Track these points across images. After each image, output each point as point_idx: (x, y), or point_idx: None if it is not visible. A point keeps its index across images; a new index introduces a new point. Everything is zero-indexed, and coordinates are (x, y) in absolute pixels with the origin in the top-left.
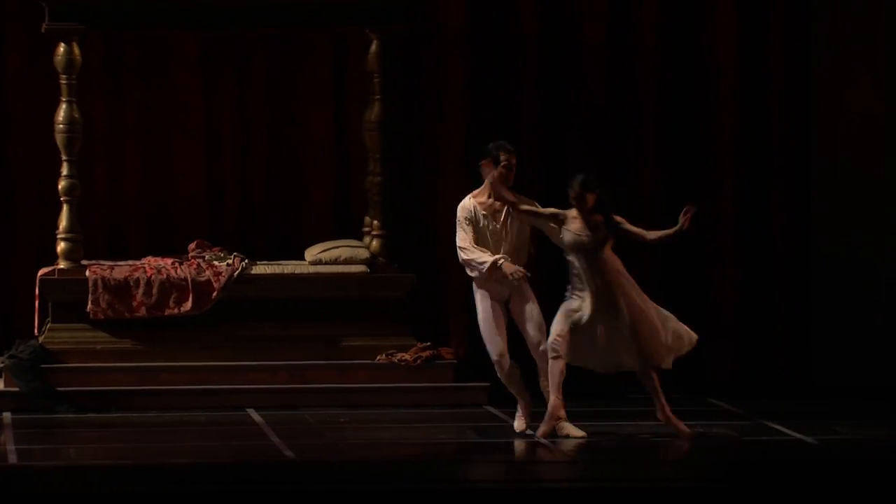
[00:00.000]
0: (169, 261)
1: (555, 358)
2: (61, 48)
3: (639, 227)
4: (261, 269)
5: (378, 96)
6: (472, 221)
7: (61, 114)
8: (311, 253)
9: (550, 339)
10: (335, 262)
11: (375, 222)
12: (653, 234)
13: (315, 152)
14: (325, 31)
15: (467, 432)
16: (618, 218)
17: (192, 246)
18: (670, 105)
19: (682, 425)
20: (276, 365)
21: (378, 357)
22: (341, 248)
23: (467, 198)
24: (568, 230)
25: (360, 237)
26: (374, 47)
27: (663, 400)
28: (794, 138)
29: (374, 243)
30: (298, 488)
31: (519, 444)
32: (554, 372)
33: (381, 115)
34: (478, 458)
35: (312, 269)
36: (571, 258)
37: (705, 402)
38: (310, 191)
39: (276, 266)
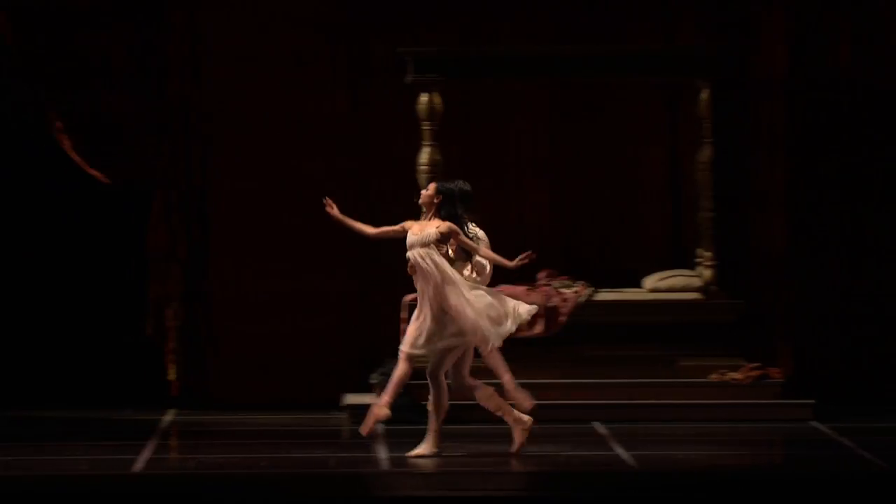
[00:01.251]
0: (521, 288)
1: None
2: (423, 97)
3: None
4: (604, 295)
5: (709, 139)
6: None
7: (424, 157)
8: (650, 281)
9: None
10: (672, 289)
11: (708, 253)
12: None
13: (651, 190)
14: (661, 80)
15: (795, 445)
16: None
17: (541, 275)
18: None
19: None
20: (618, 383)
21: (711, 376)
22: (677, 277)
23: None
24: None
25: (692, 267)
26: (704, 95)
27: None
28: None
29: (707, 273)
30: (640, 495)
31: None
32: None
33: (712, 156)
34: (803, 470)
35: (651, 296)
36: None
37: None
38: (647, 225)
39: (617, 293)
